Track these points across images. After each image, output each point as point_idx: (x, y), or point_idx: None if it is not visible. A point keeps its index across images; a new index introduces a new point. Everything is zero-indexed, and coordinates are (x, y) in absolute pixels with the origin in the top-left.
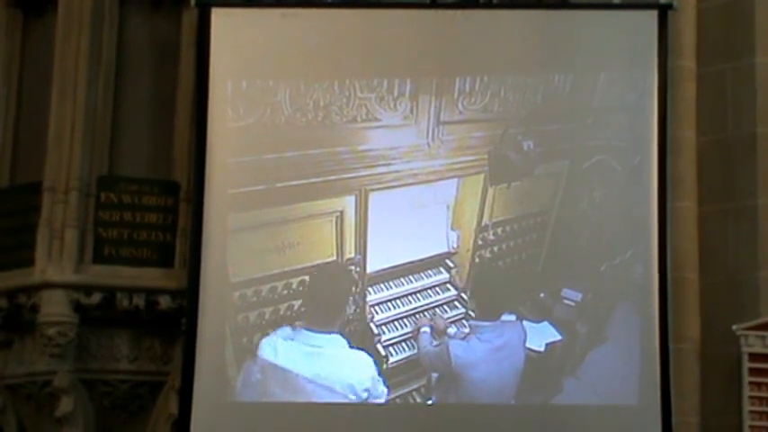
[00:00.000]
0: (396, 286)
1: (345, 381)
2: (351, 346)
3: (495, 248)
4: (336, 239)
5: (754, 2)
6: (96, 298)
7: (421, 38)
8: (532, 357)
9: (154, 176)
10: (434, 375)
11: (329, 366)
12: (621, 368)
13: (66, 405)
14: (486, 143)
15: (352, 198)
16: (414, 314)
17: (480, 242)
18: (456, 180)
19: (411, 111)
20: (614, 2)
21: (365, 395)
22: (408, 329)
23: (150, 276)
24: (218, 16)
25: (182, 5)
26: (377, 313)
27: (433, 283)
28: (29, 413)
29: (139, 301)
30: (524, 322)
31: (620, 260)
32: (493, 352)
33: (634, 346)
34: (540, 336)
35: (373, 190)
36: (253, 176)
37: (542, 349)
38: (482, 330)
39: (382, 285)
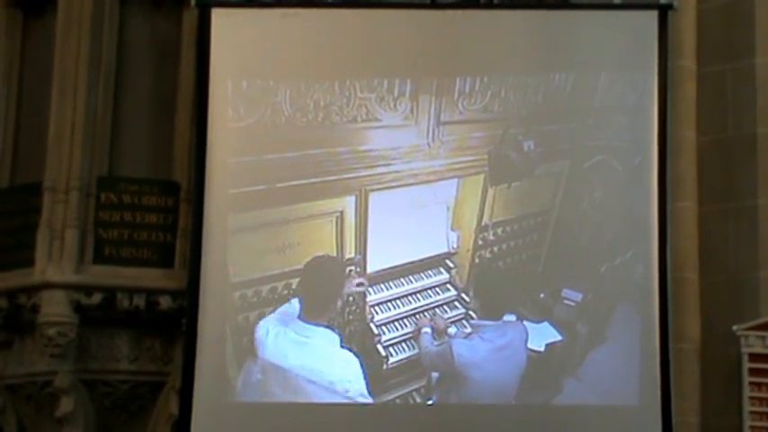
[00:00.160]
0: (396, 286)
1: (326, 376)
2: (341, 345)
3: (496, 249)
4: (336, 240)
5: (754, 2)
6: (96, 298)
7: (421, 38)
8: (533, 358)
9: (154, 177)
10: (435, 375)
11: (313, 358)
12: (622, 368)
13: (66, 405)
14: (487, 143)
15: (353, 198)
16: (414, 314)
17: (480, 242)
18: (456, 180)
19: (411, 111)
20: (614, 2)
21: (345, 392)
22: (408, 330)
23: (150, 277)
24: (219, 16)
25: (182, 5)
26: (377, 313)
27: (433, 284)
28: (29, 413)
29: (140, 301)
30: (525, 323)
31: (621, 260)
32: (495, 351)
33: (634, 346)
34: (541, 336)
35: (373, 190)
36: (253, 177)
37: (542, 349)
38: (485, 330)
39: (382, 286)
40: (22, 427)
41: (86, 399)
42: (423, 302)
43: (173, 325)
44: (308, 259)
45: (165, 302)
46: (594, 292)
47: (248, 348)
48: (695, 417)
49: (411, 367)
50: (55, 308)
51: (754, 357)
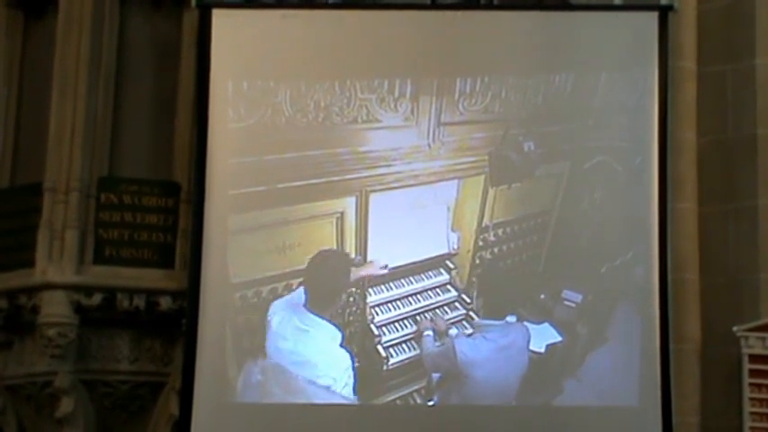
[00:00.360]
0: (396, 287)
1: (318, 370)
2: (341, 344)
3: (496, 249)
4: (337, 240)
5: (754, 3)
6: (97, 299)
7: (421, 39)
8: (533, 358)
9: (154, 177)
10: (435, 376)
11: (310, 349)
12: (622, 369)
13: (66, 406)
14: (487, 144)
15: (353, 199)
16: (414, 315)
17: (481, 243)
18: (456, 181)
19: (412, 112)
20: (615, 3)
21: (336, 390)
22: (409, 330)
23: (151, 277)
24: (219, 17)
25: (182, 6)
26: (377, 314)
27: (434, 285)
28: (29, 414)
29: (140, 301)
30: (525, 323)
31: (621, 261)
32: (498, 351)
33: (634, 347)
34: (541, 337)
35: (374, 191)
36: (253, 177)
37: (543, 350)
38: (488, 329)
39: (383, 286)
40: (22, 428)
41: (86, 399)
42: (423, 303)
43: (173, 325)
44: (308, 258)
45: (165, 303)
46: (595, 292)
47: (249, 349)
48: (695, 417)
49: (411, 368)
50: (55, 308)
51: (754, 358)
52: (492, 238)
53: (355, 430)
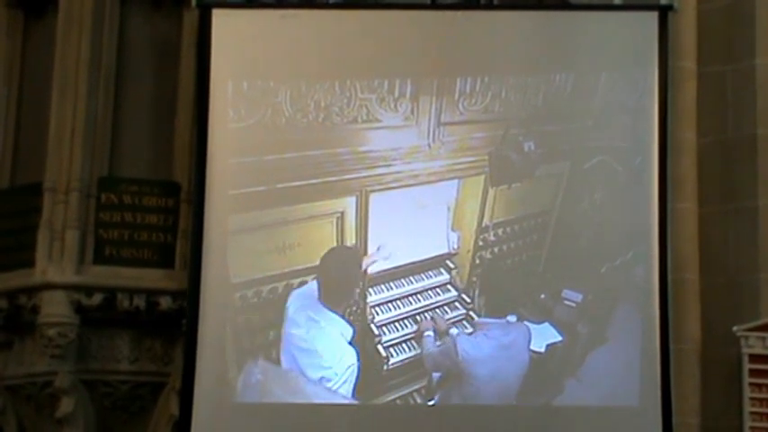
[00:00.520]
0: (396, 287)
1: (320, 359)
2: (349, 341)
3: (496, 249)
4: (337, 240)
5: (754, 3)
6: (97, 299)
7: (421, 39)
8: (533, 358)
9: (154, 177)
10: (436, 375)
11: (317, 338)
12: (622, 369)
13: (66, 406)
14: (487, 144)
15: (353, 199)
16: (414, 315)
17: (481, 243)
18: (456, 181)
19: (412, 112)
20: (615, 3)
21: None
22: (409, 330)
23: (151, 277)
24: (219, 17)
25: (182, 6)
26: (377, 314)
27: (434, 284)
28: (29, 414)
29: (140, 301)
30: (526, 323)
31: (621, 261)
32: (499, 349)
33: (634, 347)
34: (541, 337)
35: (374, 191)
36: (253, 177)
37: (543, 350)
38: (489, 328)
39: (383, 286)
40: (22, 428)
41: (87, 399)
42: (423, 303)
43: (173, 325)
44: (309, 262)
45: (165, 303)
46: (595, 292)
47: (249, 349)
48: (695, 418)
49: (411, 368)
50: (55, 308)
51: (754, 358)
52: (492, 238)
53: (355, 430)
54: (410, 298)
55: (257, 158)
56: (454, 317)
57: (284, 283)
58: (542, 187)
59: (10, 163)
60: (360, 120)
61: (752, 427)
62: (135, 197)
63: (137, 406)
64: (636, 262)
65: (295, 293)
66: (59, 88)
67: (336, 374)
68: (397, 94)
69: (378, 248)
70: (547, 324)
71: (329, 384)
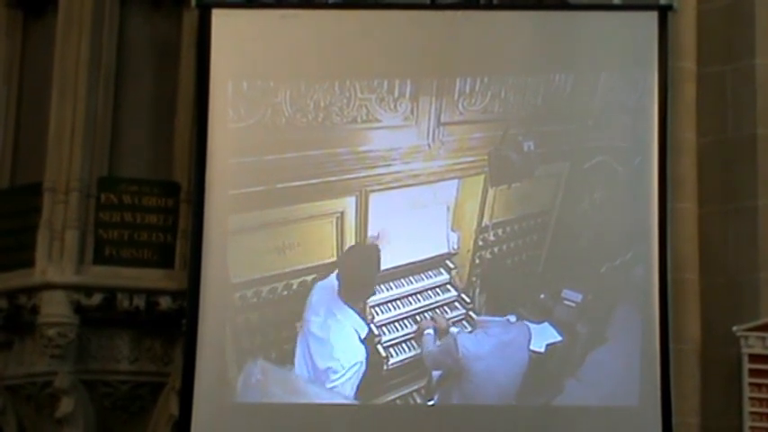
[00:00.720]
0: (396, 287)
1: (332, 349)
2: (361, 339)
3: (496, 249)
4: (337, 240)
5: (754, 3)
6: (97, 299)
7: (421, 39)
8: (533, 358)
9: (154, 177)
10: (436, 375)
11: (332, 329)
12: (622, 369)
13: (66, 406)
14: (487, 144)
15: (353, 199)
16: (414, 315)
17: (481, 243)
18: (456, 181)
19: (411, 112)
20: (614, 3)
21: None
22: (409, 330)
23: (151, 277)
24: (219, 17)
25: (182, 6)
26: (377, 314)
27: (434, 284)
28: (29, 414)
29: (140, 301)
30: (526, 323)
31: (621, 261)
32: (499, 347)
33: (634, 346)
34: (541, 337)
35: (373, 191)
36: (253, 177)
37: (543, 350)
38: (489, 325)
39: (383, 286)
40: (22, 428)
41: (86, 399)
42: (423, 303)
43: (173, 325)
44: (308, 262)
45: (165, 303)
46: (595, 292)
47: (249, 349)
48: (695, 417)
49: (411, 368)
50: (55, 308)
51: (754, 358)
52: (492, 238)
53: (355, 430)
54: (410, 298)
55: (257, 158)
56: (454, 317)
57: (284, 283)
58: (542, 187)
59: (10, 163)
60: (359, 120)
61: (752, 427)
62: (135, 197)
63: (137, 406)
64: (636, 262)
65: (318, 285)
66: (59, 88)
67: (343, 367)
68: (396, 94)
69: (377, 235)
70: (546, 324)
71: (334, 377)
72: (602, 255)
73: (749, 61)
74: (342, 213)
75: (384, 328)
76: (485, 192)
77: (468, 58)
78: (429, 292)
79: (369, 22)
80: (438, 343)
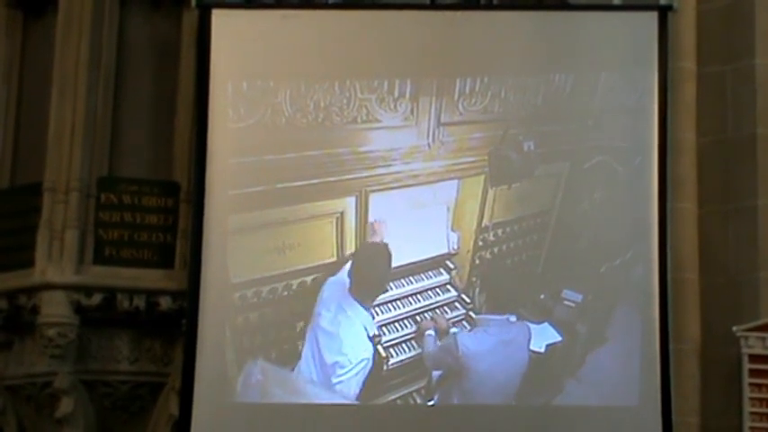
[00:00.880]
0: (396, 287)
1: (341, 344)
2: (369, 336)
3: (496, 249)
4: (337, 240)
5: (754, 3)
6: (97, 299)
7: (421, 39)
8: (533, 358)
9: (154, 177)
10: (436, 375)
11: (342, 324)
12: (622, 369)
13: (66, 406)
14: (487, 144)
15: (353, 199)
16: (414, 315)
17: (481, 243)
18: (456, 181)
19: (411, 112)
20: (614, 3)
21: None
22: (409, 330)
23: (151, 277)
24: (219, 17)
25: (182, 6)
26: (377, 314)
27: (434, 284)
28: (29, 414)
29: (140, 302)
30: (526, 323)
31: (621, 261)
32: (499, 345)
33: (634, 346)
34: (541, 337)
35: (373, 191)
36: (253, 177)
37: (543, 350)
38: (489, 324)
39: None
40: (22, 428)
41: (86, 399)
42: (423, 303)
43: (173, 326)
44: (308, 262)
45: (165, 303)
46: (595, 292)
47: (249, 349)
48: (695, 417)
49: (411, 368)
50: (55, 309)
51: (754, 358)
52: (492, 238)
53: (355, 430)
54: (410, 298)
55: (257, 158)
56: (454, 317)
57: (284, 283)
58: (542, 187)
59: (10, 163)
60: (359, 120)
61: (752, 427)
62: (135, 197)
63: (136, 406)
64: (635, 262)
65: (330, 281)
66: (59, 88)
67: (350, 362)
68: (396, 94)
69: (372, 222)
70: (546, 324)
71: (341, 372)
72: (601, 255)
73: (749, 61)
74: (342, 213)
75: (384, 328)
76: (485, 192)
77: (468, 58)
78: (429, 292)
79: (369, 22)
80: (439, 344)
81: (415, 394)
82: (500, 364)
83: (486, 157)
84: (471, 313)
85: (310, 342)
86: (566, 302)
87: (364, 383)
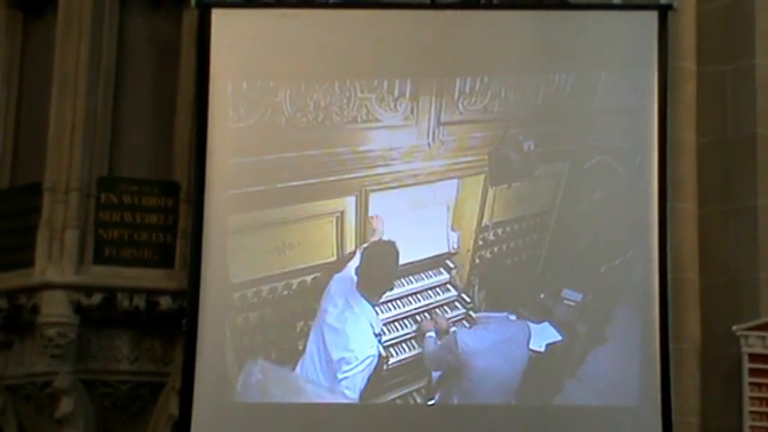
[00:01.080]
0: (396, 287)
1: (347, 340)
2: (375, 333)
3: (496, 249)
4: (337, 240)
5: (754, 3)
6: (97, 299)
7: (421, 38)
8: (533, 358)
9: (154, 177)
10: (436, 374)
11: (348, 320)
12: (622, 368)
13: (66, 406)
14: (487, 144)
15: (353, 199)
16: (414, 315)
17: (481, 243)
18: (456, 181)
19: (411, 111)
20: (614, 2)
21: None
22: (409, 330)
23: (151, 277)
24: (219, 17)
25: (182, 6)
26: (377, 314)
27: (434, 284)
28: (29, 414)
29: (140, 301)
30: (525, 322)
31: (621, 261)
32: (499, 343)
33: (634, 346)
34: (541, 336)
35: (373, 191)
36: (253, 177)
37: (543, 350)
38: (489, 322)
39: None
40: (22, 428)
41: (86, 399)
42: (423, 303)
43: (173, 325)
44: (308, 262)
45: (165, 303)
46: (594, 292)
47: (249, 349)
48: (695, 417)
49: (411, 367)
50: (55, 308)
51: (754, 358)
52: (492, 238)
53: (355, 430)
54: (410, 298)
55: (257, 158)
56: (454, 316)
57: (284, 282)
58: (542, 187)
59: (10, 163)
60: (359, 119)
61: (752, 427)
62: (135, 197)
63: (136, 406)
64: (635, 261)
65: (337, 277)
66: (59, 88)
67: (357, 359)
68: (396, 93)
69: (372, 218)
70: (546, 324)
71: (347, 368)
72: (601, 255)
73: (749, 61)
74: (342, 213)
75: (384, 328)
76: (485, 191)
77: (468, 58)
78: (429, 291)
79: (369, 22)
80: (439, 344)
81: (415, 394)
82: (500, 363)
83: (485, 157)
84: (471, 312)
85: (315, 338)
86: (566, 302)
87: (369, 380)
